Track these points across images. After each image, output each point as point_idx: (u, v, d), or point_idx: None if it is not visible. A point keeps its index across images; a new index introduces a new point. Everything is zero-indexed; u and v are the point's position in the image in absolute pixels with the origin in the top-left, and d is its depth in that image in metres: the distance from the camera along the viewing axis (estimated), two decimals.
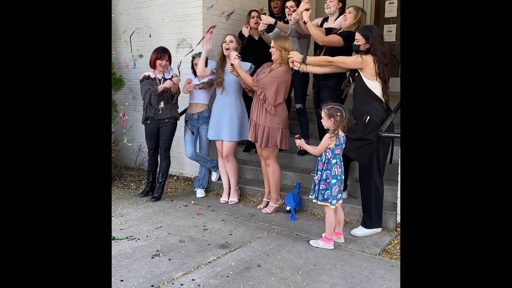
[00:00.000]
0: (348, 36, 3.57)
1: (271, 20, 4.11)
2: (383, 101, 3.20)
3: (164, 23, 5.03)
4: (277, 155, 3.85)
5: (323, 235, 3.17)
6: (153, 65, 4.19)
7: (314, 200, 3.13)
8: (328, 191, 3.02)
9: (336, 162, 3.02)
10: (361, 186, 3.34)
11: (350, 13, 3.67)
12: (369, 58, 3.14)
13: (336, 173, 3.02)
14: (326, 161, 3.04)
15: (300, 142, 3.21)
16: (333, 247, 3.08)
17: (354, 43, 3.24)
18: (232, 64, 3.74)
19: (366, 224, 3.30)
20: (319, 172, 3.08)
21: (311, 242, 3.15)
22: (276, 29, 4.28)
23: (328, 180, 3.02)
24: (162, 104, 4.17)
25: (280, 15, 4.68)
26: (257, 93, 3.68)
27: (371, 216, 3.28)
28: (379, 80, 3.15)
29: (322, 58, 3.43)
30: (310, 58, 3.38)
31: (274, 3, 4.72)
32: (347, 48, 3.53)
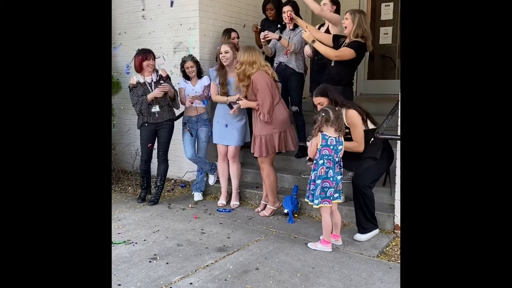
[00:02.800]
0: (358, 46, 3.61)
1: (276, 36, 4.20)
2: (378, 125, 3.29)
3: (160, 27, 5.03)
4: (271, 159, 3.84)
5: (321, 237, 3.17)
6: (139, 69, 4.13)
7: (306, 200, 3.18)
8: (313, 192, 3.06)
9: (324, 163, 3.02)
10: (353, 193, 3.28)
11: (346, 19, 3.64)
12: (352, 113, 3.17)
13: (322, 174, 3.02)
14: (315, 162, 3.08)
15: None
16: (331, 250, 3.08)
17: (318, 108, 3.23)
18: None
19: (364, 228, 3.28)
20: (311, 173, 3.13)
21: (309, 244, 3.15)
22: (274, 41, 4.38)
23: (315, 180, 3.06)
24: (157, 108, 4.15)
25: (276, 20, 4.70)
26: (256, 111, 3.69)
27: (365, 220, 3.26)
28: (365, 117, 3.22)
29: (351, 148, 3.20)
30: (346, 144, 3.16)
31: (268, 12, 4.75)
32: (358, 59, 3.68)
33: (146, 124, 4.19)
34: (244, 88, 3.74)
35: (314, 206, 3.08)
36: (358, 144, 3.16)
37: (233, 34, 4.57)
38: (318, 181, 3.03)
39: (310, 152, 3.12)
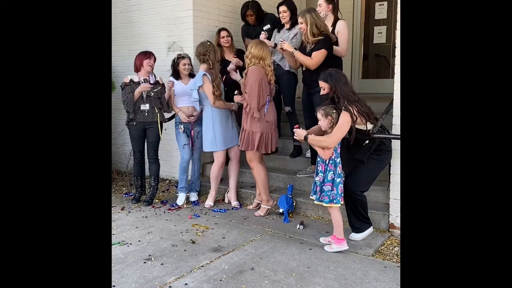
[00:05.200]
0: (325, 43, 3.64)
1: (271, 44, 4.19)
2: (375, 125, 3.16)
3: (154, 26, 5.01)
4: (260, 157, 3.84)
5: (328, 239, 3.16)
6: (139, 68, 4.13)
7: (317, 202, 3.10)
8: (334, 192, 3.00)
9: (340, 161, 3.01)
10: (344, 196, 3.13)
11: (301, 23, 3.69)
12: (346, 115, 2.96)
13: (340, 172, 3.01)
14: (330, 161, 3.02)
15: (299, 133, 3.14)
16: (347, 247, 3.05)
17: (321, 93, 3.19)
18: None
19: (357, 228, 3.27)
20: (320, 174, 3.06)
21: (326, 247, 3.09)
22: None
23: (333, 180, 3.01)
24: (147, 106, 4.12)
25: (255, 25, 4.74)
26: (244, 106, 3.72)
27: (357, 220, 3.25)
28: (364, 120, 3.03)
29: (322, 142, 3.04)
30: (311, 138, 3.09)
31: (248, 18, 4.75)
32: (329, 55, 3.68)
33: (135, 123, 4.16)
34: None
35: (336, 206, 3.01)
36: (327, 140, 3.00)
37: (222, 33, 4.57)
38: (338, 180, 3.00)
39: (326, 154, 3.00)
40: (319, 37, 3.65)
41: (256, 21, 4.72)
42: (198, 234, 3.42)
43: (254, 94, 3.62)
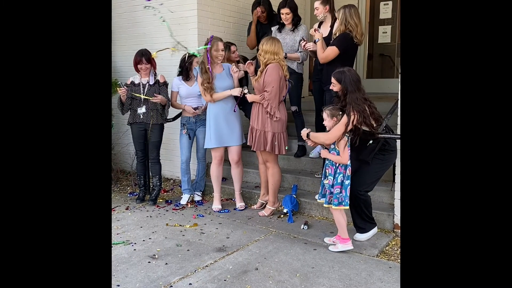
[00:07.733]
0: (339, 41, 3.62)
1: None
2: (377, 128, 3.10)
3: (158, 26, 5.01)
4: (276, 157, 3.82)
5: (333, 240, 3.15)
6: (136, 69, 4.17)
7: (325, 205, 3.09)
8: (342, 194, 2.98)
9: (350, 162, 3.01)
10: (350, 195, 3.12)
11: (337, 19, 3.69)
12: (343, 119, 2.97)
13: (348, 174, 3.00)
14: (341, 164, 3.00)
15: (304, 133, 3.16)
16: (352, 247, 3.04)
17: (330, 87, 3.17)
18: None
19: (362, 228, 3.26)
20: (330, 176, 3.03)
21: (330, 247, 3.09)
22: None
23: (342, 183, 2.99)
24: (143, 109, 4.13)
25: (266, 23, 4.71)
26: (263, 106, 3.64)
27: (361, 221, 3.24)
28: (365, 125, 2.99)
29: (320, 138, 3.14)
30: (312, 134, 3.16)
31: (259, 16, 4.73)
32: (344, 53, 3.63)
33: (135, 123, 4.22)
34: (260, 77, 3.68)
35: (346, 207, 3.01)
36: (323, 136, 3.07)
37: (232, 48, 4.51)
38: (347, 182, 2.98)
39: (344, 158, 2.97)
40: (339, 35, 3.64)
41: (266, 19, 4.70)
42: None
43: (276, 93, 3.60)
